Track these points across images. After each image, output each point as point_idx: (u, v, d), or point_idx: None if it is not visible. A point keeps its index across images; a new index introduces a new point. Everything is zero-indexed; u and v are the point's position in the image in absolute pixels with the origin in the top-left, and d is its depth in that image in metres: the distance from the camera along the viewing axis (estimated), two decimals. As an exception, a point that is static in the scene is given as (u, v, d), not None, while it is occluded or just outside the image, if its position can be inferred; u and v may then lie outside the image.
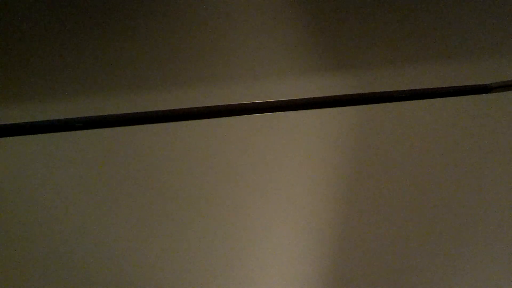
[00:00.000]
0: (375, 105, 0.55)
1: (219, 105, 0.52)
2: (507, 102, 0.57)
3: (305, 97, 0.54)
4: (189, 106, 0.52)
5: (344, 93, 0.54)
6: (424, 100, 0.56)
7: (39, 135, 0.49)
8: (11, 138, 0.49)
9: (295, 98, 0.54)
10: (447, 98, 0.56)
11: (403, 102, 0.55)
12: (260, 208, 0.54)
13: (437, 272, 0.59)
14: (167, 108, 0.51)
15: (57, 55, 0.50)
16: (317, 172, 0.54)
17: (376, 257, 0.58)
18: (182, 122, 0.51)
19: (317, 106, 0.54)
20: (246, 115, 0.53)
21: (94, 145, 0.50)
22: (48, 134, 0.49)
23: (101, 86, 0.50)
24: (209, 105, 0.52)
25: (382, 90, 0.55)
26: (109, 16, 0.50)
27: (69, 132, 0.50)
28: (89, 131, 0.50)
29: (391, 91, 0.55)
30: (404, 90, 0.56)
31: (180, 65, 0.51)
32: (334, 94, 0.54)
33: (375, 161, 0.55)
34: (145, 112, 0.51)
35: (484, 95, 0.57)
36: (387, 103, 0.55)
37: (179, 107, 0.52)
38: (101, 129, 0.50)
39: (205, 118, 0.52)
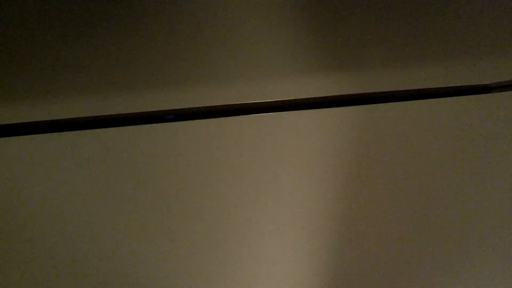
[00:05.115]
0: (375, 105, 0.55)
1: (219, 105, 0.52)
2: (507, 102, 0.57)
3: (305, 97, 0.54)
4: (189, 106, 0.52)
5: (344, 93, 0.54)
6: (424, 100, 0.56)
7: (39, 135, 0.49)
8: (11, 138, 0.49)
9: (295, 98, 0.54)
10: (447, 98, 0.56)
11: (403, 102, 0.55)
12: (260, 208, 0.54)
13: (438, 273, 0.59)
14: (168, 108, 0.51)
15: (57, 55, 0.50)
16: (317, 172, 0.54)
17: (377, 257, 0.58)
18: (182, 122, 0.51)
19: (317, 106, 0.54)
20: (246, 115, 0.53)
21: (94, 145, 0.50)
22: (48, 134, 0.49)
23: (101, 86, 0.50)
24: (209, 105, 0.52)
25: (382, 90, 0.55)
26: (109, 16, 0.50)
27: (69, 132, 0.50)
28: (89, 131, 0.50)
29: (391, 91, 0.55)
30: (404, 90, 0.56)
31: (180, 65, 0.51)
32: (334, 94, 0.54)
33: (375, 161, 0.55)
34: (145, 112, 0.51)
35: (484, 95, 0.57)
36: (387, 103, 0.55)
37: (179, 107, 0.52)
38: (101, 129, 0.50)
39: (205, 118, 0.52)
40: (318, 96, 0.54)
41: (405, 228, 0.57)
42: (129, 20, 0.50)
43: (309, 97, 0.54)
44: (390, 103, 0.55)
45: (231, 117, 0.52)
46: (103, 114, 0.51)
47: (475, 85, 0.57)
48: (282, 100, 0.54)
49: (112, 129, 0.50)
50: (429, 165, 0.56)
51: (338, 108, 0.54)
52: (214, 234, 0.53)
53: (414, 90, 0.56)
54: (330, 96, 0.54)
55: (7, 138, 0.49)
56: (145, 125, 0.51)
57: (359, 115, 0.54)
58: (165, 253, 0.53)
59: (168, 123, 0.51)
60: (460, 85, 0.57)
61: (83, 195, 0.50)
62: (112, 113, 0.51)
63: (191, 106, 0.52)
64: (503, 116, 0.57)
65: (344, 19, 0.54)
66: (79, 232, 0.51)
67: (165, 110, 0.51)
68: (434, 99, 0.56)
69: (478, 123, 0.57)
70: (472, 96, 0.57)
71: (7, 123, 0.49)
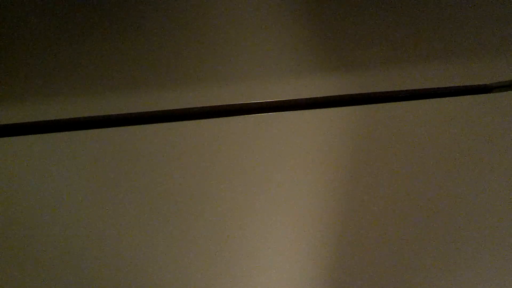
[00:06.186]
0: (375, 105, 0.55)
1: (219, 105, 0.52)
2: (507, 102, 0.57)
3: (305, 97, 0.54)
4: (189, 106, 0.52)
5: (344, 93, 0.54)
6: (424, 100, 0.56)
7: (39, 135, 0.49)
8: (11, 138, 0.49)
9: (295, 98, 0.54)
10: (447, 98, 0.56)
11: (403, 102, 0.55)
12: (259, 208, 0.54)
13: (438, 273, 0.59)
14: (167, 108, 0.51)
15: (57, 55, 0.50)
16: (317, 172, 0.54)
17: (376, 257, 0.58)
18: (182, 122, 0.51)
19: (317, 106, 0.54)
20: (246, 115, 0.53)
21: (94, 145, 0.50)
22: (48, 134, 0.49)
23: (101, 86, 0.50)
24: (209, 105, 0.52)
25: (382, 90, 0.55)
26: (109, 16, 0.50)
27: (69, 132, 0.50)
28: (89, 131, 0.50)
29: (391, 91, 0.55)
30: (404, 90, 0.56)
31: (180, 65, 0.51)
32: (334, 94, 0.54)
33: (375, 161, 0.55)
34: (145, 112, 0.51)
35: (484, 95, 0.57)
36: (387, 103, 0.55)
37: (179, 107, 0.52)
38: (101, 129, 0.50)
39: (205, 118, 0.52)
40: (318, 96, 0.54)
41: (405, 228, 0.57)
42: (129, 20, 0.50)
43: (309, 97, 0.54)
44: (390, 103, 0.55)
45: (231, 117, 0.52)
46: (103, 114, 0.51)
47: (475, 85, 0.57)
48: (282, 100, 0.54)
49: (112, 129, 0.50)
50: (429, 165, 0.56)
51: (338, 108, 0.54)
52: (214, 234, 0.53)
53: (414, 90, 0.56)
54: (330, 96, 0.54)
55: (7, 138, 0.49)
56: (145, 125, 0.51)
57: (359, 115, 0.54)
58: (165, 253, 0.53)
59: (168, 123, 0.51)
60: (460, 85, 0.57)
61: (83, 195, 0.50)
62: (112, 113, 0.51)
63: (191, 106, 0.52)
64: (503, 116, 0.57)
65: (344, 19, 0.54)
66: (79, 232, 0.51)
67: (165, 110, 0.52)
68: (434, 99, 0.56)
69: (478, 123, 0.57)
70: (472, 96, 0.57)
71: (7, 123, 0.49)
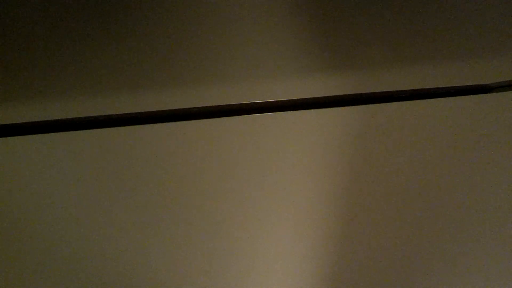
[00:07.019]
0: (375, 105, 0.55)
1: (219, 105, 0.52)
2: (507, 102, 0.57)
3: (305, 97, 0.54)
4: (189, 106, 0.52)
5: (344, 93, 0.54)
6: (424, 100, 0.56)
7: (39, 135, 0.49)
8: (11, 138, 0.49)
9: (295, 98, 0.54)
10: (447, 98, 0.56)
11: (403, 102, 0.55)
12: (260, 208, 0.54)
13: (438, 273, 0.59)
14: (167, 108, 0.51)
15: (57, 55, 0.50)
16: (317, 172, 0.54)
17: (376, 258, 0.58)
18: (182, 122, 0.51)
19: (317, 106, 0.54)
20: (246, 115, 0.53)
21: (94, 145, 0.50)
22: (48, 134, 0.49)
23: (101, 86, 0.50)
24: (209, 105, 0.52)
25: (382, 90, 0.55)
26: (109, 15, 0.50)
27: (69, 132, 0.50)
28: (89, 131, 0.50)
29: (391, 91, 0.55)
30: (404, 90, 0.56)
31: (180, 65, 0.51)
32: (334, 94, 0.54)
33: (375, 161, 0.55)
34: (145, 112, 0.51)
35: (484, 95, 0.57)
36: (387, 103, 0.55)
37: (179, 107, 0.52)
38: (101, 129, 0.50)
39: (205, 118, 0.52)
40: (318, 96, 0.54)
41: (405, 228, 0.57)
42: (129, 20, 0.50)
43: (309, 97, 0.54)
44: (390, 103, 0.55)
45: (231, 117, 0.52)
46: (103, 114, 0.51)
47: (475, 85, 0.57)
48: (282, 100, 0.54)
49: (112, 129, 0.50)
50: (429, 165, 0.56)
51: (338, 108, 0.54)
52: (214, 234, 0.53)
53: (414, 90, 0.56)
54: (330, 96, 0.54)
55: (7, 138, 0.49)
56: (145, 125, 0.51)
57: (359, 115, 0.54)
58: (165, 253, 0.53)
59: (168, 123, 0.51)
60: (460, 85, 0.57)
61: (83, 195, 0.50)
62: (112, 113, 0.51)
63: (191, 106, 0.52)
64: (503, 116, 0.57)
65: (344, 19, 0.54)
66: (79, 232, 0.51)
67: (165, 110, 0.52)
68: (434, 99, 0.56)
69: (478, 123, 0.57)
70: (472, 96, 0.57)
71: (7, 123, 0.49)
